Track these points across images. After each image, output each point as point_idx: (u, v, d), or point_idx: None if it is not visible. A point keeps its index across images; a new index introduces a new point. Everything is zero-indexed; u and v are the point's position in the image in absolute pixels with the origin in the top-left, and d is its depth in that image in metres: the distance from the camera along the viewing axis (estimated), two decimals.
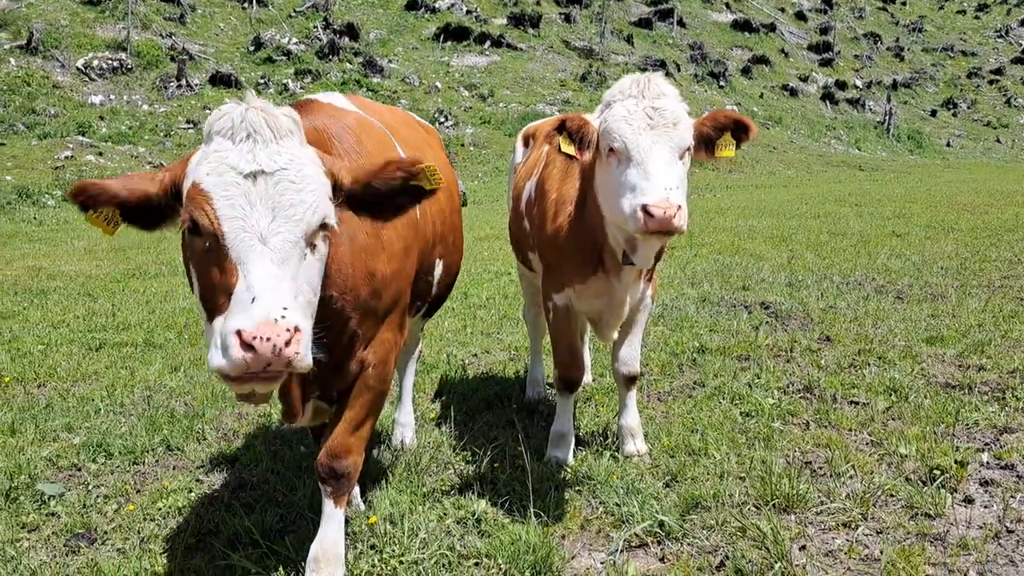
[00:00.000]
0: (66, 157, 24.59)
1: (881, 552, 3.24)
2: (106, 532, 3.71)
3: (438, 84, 34.66)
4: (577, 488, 3.94)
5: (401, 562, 3.19)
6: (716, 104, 37.20)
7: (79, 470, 4.43)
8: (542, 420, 4.98)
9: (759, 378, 5.57)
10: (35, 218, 19.44)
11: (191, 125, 27.62)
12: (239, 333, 2.08)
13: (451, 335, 7.19)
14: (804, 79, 49.25)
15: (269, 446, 4.69)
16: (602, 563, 3.28)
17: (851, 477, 3.96)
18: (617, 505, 3.69)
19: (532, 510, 3.54)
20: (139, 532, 3.68)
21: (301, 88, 30.72)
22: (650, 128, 3.40)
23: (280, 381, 2.23)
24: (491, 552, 3.27)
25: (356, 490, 3.82)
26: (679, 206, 3.21)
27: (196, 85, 30.02)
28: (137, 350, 6.97)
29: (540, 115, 31.20)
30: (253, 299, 2.13)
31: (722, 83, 42.22)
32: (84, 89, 30.00)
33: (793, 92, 45.74)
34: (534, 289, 5.29)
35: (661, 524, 3.46)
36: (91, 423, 5.08)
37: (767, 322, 7.37)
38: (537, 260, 4.44)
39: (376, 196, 2.58)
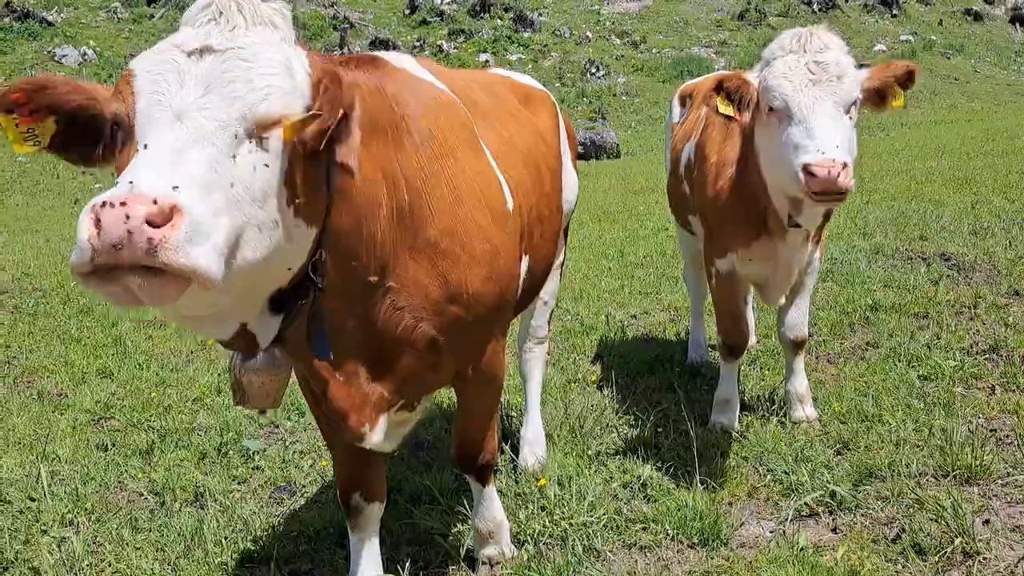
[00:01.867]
0: None
1: None
2: (304, 485, 4.10)
3: (589, 34, 34.18)
4: (743, 455, 3.94)
5: (571, 524, 3.34)
6: (888, 35, 34.53)
7: (276, 427, 4.88)
8: (705, 384, 4.97)
9: (939, 338, 5.27)
10: None
11: None
12: (93, 207, 1.49)
13: (608, 295, 7.24)
14: (990, 1, 44.64)
15: (442, 408, 4.96)
16: (771, 532, 3.29)
17: None
18: (786, 473, 3.67)
19: (698, 477, 3.58)
20: (332, 486, 4.03)
21: (455, 48, 31.23)
22: (812, 84, 3.29)
23: (168, 289, 1.54)
24: (658, 517, 3.36)
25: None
26: (844, 164, 3.10)
27: (357, 52, 31.21)
28: None
29: (695, 59, 30.16)
30: (130, 170, 1.59)
31: (895, 11, 39.02)
32: None
33: (977, 16, 41.57)
34: (694, 251, 5.24)
35: (832, 494, 3.41)
36: None
37: (948, 275, 6.91)
38: (698, 224, 4.41)
39: None
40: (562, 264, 4.22)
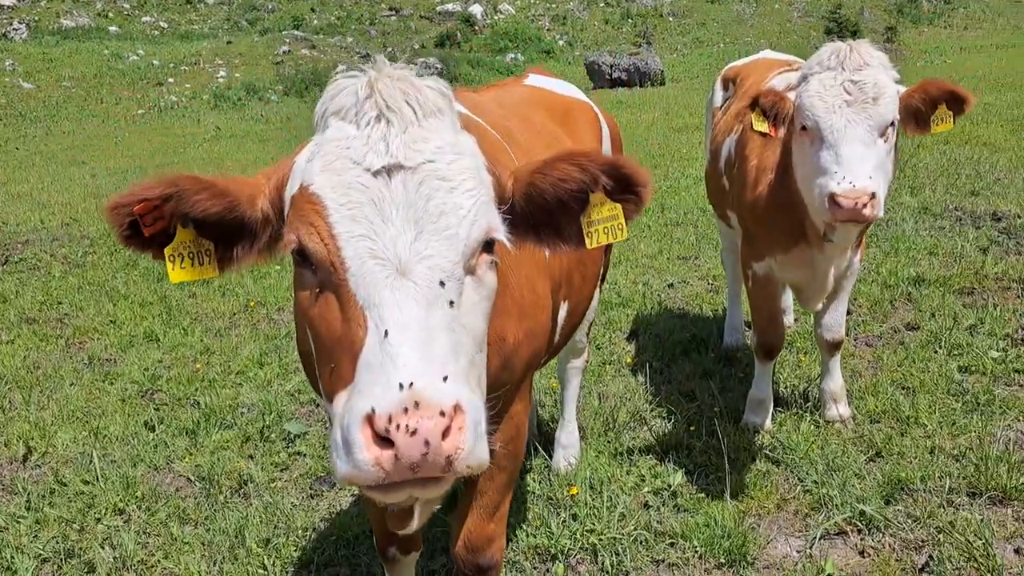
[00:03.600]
0: (284, 52, 26.20)
1: None
2: None
3: None
4: (775, 460, 3.95)
5: (600, 539, 3.41)
6: None
7: (317, 406, 5.00)
8: (740, 371, 4.95)
9: (983, 322, 5.17)
10: (261, 115, 21.04)
11: (393, 12, 28.40)
12: (369, 419, 1.40)
13: (647, 260, 7.18)
14: None
15: None
16: (798, 552, 3.33)
17: None
18: (816, 483, 3.68)
19: (728, 490, 3.62)
20: None
21: None
22: (847, 104, 3.19)
23: (445, 486, 1.53)
24: (687, 533, 3.41)
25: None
26: (872, 195, 3.06)
27: None
28: None
29: None
30: (391, 363, 1.44)
31: None
32: None
33: None
34: (731, 239, 5.15)
35: (862, 513, 3.43)
36: None
37: (997, 241, 6.73)
38: (735, 219, 4.33)
39: (541, 207, 1.85)
40: (603, 278, 4.03)
